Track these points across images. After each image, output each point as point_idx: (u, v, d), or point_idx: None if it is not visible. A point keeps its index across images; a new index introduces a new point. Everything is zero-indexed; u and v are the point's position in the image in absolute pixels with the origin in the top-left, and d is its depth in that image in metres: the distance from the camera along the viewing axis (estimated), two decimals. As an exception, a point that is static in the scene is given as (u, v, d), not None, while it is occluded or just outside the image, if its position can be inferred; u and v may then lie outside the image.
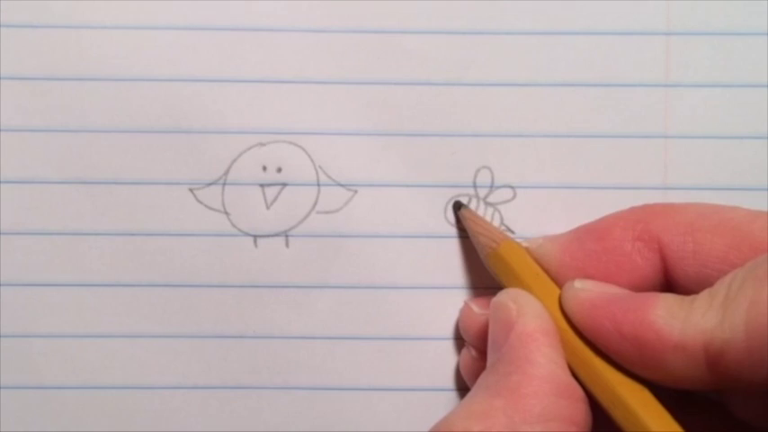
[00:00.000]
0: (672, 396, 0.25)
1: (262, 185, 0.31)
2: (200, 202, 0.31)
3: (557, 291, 0.27)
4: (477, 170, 0.31)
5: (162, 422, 0.31)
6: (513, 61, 0.31)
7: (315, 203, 0.31)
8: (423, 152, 0.31)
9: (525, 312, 0.26)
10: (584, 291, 0.26)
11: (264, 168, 0.31)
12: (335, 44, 0.31)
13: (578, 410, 0.24)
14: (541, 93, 0.31)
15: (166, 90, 0.31)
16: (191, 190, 0.31)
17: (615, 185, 0.31)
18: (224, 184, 0.31)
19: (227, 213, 0.31)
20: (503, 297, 0.27)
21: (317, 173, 0.31)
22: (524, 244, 0.29)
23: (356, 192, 0.31)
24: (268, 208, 0.31)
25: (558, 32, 0.31)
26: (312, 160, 0.31)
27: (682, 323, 0.23)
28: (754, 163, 0.31)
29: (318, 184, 0.31)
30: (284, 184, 0.31)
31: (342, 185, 0.31)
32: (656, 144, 0.31)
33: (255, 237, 0.31)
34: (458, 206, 0.31)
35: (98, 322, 0.31)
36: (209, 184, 0.31)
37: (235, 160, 0.31)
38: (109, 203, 0.31)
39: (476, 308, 0.30)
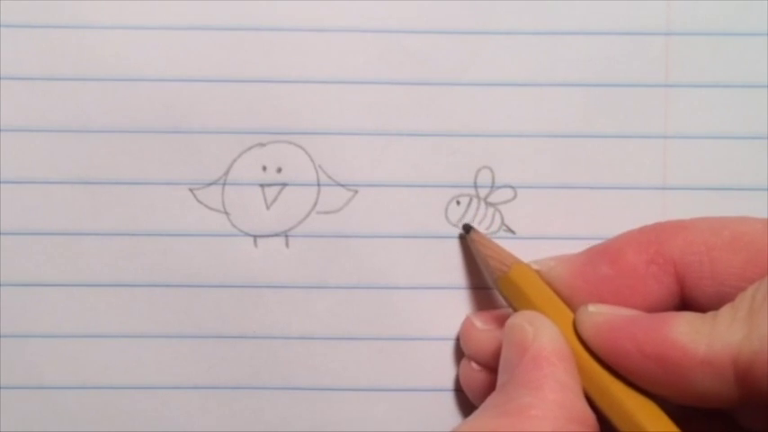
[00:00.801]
0: (677, 408, 0.25)
1: (262, 185, 0.31)
2: (201, 202, 0.31)
3: (570, 315, 0.27)
4: (478, 170, 0.31)
5: (162, 422, 0.31)
6: (513, 61, 0.31)
7: (315, 203, 0.31)
8: (423, 152, 0.31)
9: (541, 335, 0.25)
10: (600, 314, 0.25)
11: (264, 168, 0.31)
12: (336, 44, 0.31)
13: None
14: (541, 93, 0.31)
15: (166, 90, 0.31)
16: (191, 190, 0.31)
17: (615, 185, 0.31)
18: (224, 184, 0.31)
19: (227, 213, 0.31)
20: (518, 319, 0.27)
21: (317, 173, 0.31)
22: (535, 267, 0.28)
23: (356, 192, 0.31)
24: (268, 208, 0.31)
25: (558, 32, 0.31)
26: (312, 160, 0.31)
27: (707, 338, 0.23)
28: (753, 163, 0.31)
29: (318, 185, 0.31)
30: (284, 184, 0.31)
31: (342, 185, 0.31)
32: (656, 144, 0.31)
33: (255, 237, 0.31)
34: (467, 229, 0.31)
35: (98, 322, 0.31)
36: (210, 184, 0.31)
37: (235, 160, 0.31)
38: (109, 203, 0.31)
39: (478, 323, 0.30)
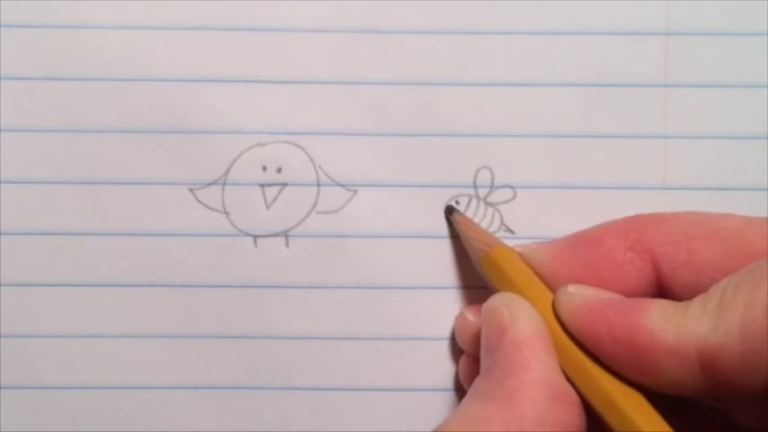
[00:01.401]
0: (671, 402, 0.25)
1: (262, 185, 0.31)
2: (201, 202, 0.31)
3: (550, 296, 0.27)
4: (478, 170, 0.31)
5: (162, 422, 0.31)
6: (513, 61, 0.31)
7: (315, 203, 0.31)
8: (423, 152, 0.31)
9: (518, 317, 0.26)
10: (579, 295, 0.26)
11: (264, 168, 0.31)
12: (335, 44, 0.31)
13: (573, 415, 0.24)
14: (541, 93, 0.31)
15: (166, 90, 0.31)
16: (191, 190, 0.31)
17: (615, 185, 0.31)
18: (224, 184, 0.31)
19: (227, 213, 0.31)
20: (495, 301, 0.27)
21: (316, 173, 0.31)
22: (517, 249, 0.29)
23: (356, 192, 0.31)
24: (268, 208, 0.31)
25: (558, 32, 0.31)
26: (312, 160, 0.31)
27: (676, 327, 0.23)
28: (753, 163, 0.31)
29: (318, 185, 0.31)
30: (284, 184, 0.31)
31: (342, 185, 0.31)
32: (656, 144, 0.31)
33: (255, 237, 0.31)
34: (450, 211, 0.31)
35: (98, 322, 0.31)
36: (209, 184, 0.31)
37: (235, 160, 0.31)
38: (109, 203, 0.31)
39: (470, 316, 0.30)
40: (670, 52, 0.31)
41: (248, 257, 0.31)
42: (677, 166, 0.31)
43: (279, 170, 0.31)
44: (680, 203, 0.31)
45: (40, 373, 0.31)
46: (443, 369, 0.31)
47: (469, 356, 0.30)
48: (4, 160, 0.31)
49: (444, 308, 0.31)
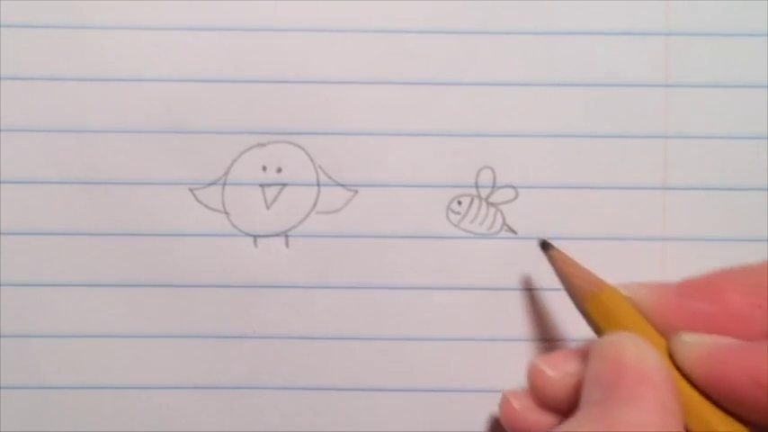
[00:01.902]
0: None
1: (262, 185, 0.31)
2: (201, 203, 0.31)
3: (663, 343, 0.26)
4: (479, 170, 0.31)
5: (162, 422, 0.31)
6: (513, 61, 0.31)
7: (315, 203, 0.31)
8: (424, 152, 0.31)
9: (645, 355, 0.24)
10: (701, 344, 0.25)
11: (264, 168, 0.31)
12: (335, 44, 0.31)
13: None
14: (541, 93, 0.31)
15: (166, 90, 0.31)
16: (191, 190, 0.31)
17: (615, 185, 0.31)
18: (224, 184, 0.31)
19: (227, 213, 0.31)
20: (618, 337, 0.25)
21: (316, 173, 0.31)
22: (624, 292, 0.27)
23: (356, 192, 0.31)
24: (268, 208, 0.31)
25: (558, 32, 0.31)
26: (312, 160, 0.31)
27: None
28: (754, 163, 0.31)
29: (318, 185, 0.31)
30: (284, 185, 0.31)
31: (342, 185, 0.31)
32: (656, 144, 0.31)
33: (255, 237, 0.31)
34: (545, 246, 0.30)
35: (98, 322, 0.31)
36: (210, 185, 0.31)
37: (235, 160, 0.31)
38: (109, 203, 0.31)
39: (549, 370, 0.28)
40: (670, 52, 0.31)
41: (248, 257, 0.31)
42: (677, 166, 0.31)
43: (279, 170, 0.31)
44: (680, 203, 0.31)
45: (40, 373, 0.31)
46: (444, 369, 0.31)
47: (543, 411, 0.28)
48: (4, 160, 0.31)
49: (445, 308, 0.31)
